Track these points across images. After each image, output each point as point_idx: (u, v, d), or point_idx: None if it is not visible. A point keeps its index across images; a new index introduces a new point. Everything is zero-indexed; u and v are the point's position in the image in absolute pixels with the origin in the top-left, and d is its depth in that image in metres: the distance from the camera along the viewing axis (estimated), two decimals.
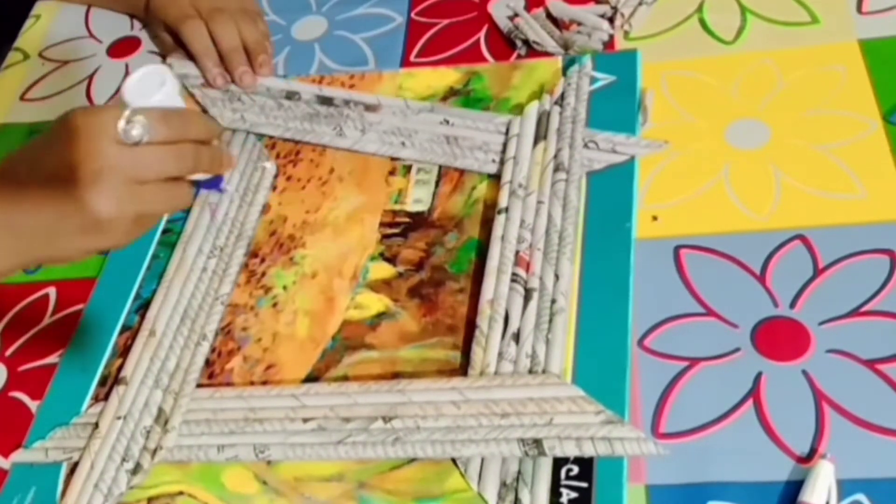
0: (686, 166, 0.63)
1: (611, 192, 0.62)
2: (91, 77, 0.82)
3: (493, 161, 0.65)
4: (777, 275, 0.56)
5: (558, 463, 0.51)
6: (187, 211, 0.68)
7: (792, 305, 0.55)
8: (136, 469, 0.55)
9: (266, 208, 0.68)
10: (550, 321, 0.55)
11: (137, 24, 0.87)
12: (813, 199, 0.59)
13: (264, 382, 0.58)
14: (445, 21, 0.79)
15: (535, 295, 0.57)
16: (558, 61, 0.72)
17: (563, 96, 0.67)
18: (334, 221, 0.66)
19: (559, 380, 0.53)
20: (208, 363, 0.60)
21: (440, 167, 0.67)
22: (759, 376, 0.52)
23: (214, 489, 0.54)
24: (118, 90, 0.80)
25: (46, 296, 0.66)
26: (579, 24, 0.74)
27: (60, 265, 0.64)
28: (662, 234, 0.60)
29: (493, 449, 0.51)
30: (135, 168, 0.48)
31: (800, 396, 0.51)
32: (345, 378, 0.57)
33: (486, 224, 0.62)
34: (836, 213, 0.58)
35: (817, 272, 0.56)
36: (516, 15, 0.76)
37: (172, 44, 0.79)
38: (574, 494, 0.49)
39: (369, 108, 0.70)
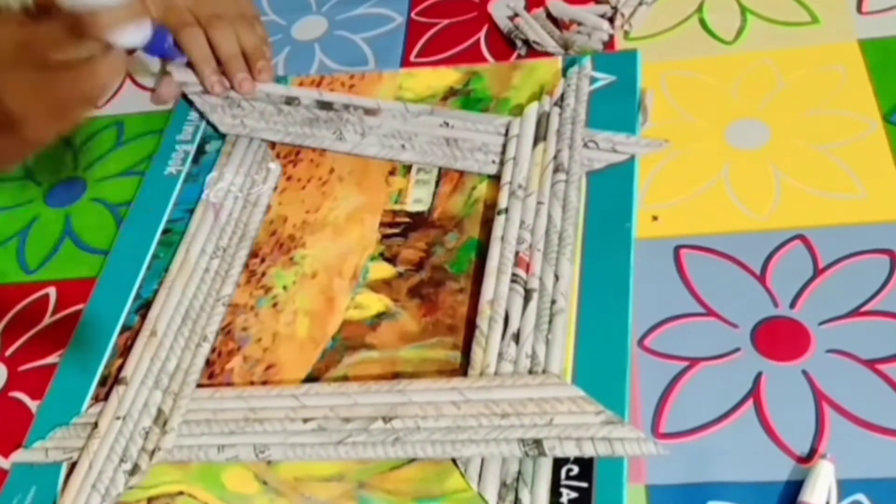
0: (686, 166, 0.63)
1: (611, 192, 0.62)
2: None
3: (493, 162, 0.65)
4: (777, 275, 0.56)
5: (558, 463, 0.51)
6: (190, 211, 0.68)
7: (792, 305, 0.55)
8: (135, 470, 0.55)
9: (266, 208, 0.68)
10: (550, 322, 0.55)
11: None
12: (813, 199, 0.59)
13: (264, 382, 0.58)
14: (445, 21, 0.79)
15: (535, 295, 0.57)
16: (558, 61, 0.72)
17: (562, 97, 0.67)
18: (334, 221, 0.66)
19: (559, 380, 0.53)
20: (208, 363, 0.60)
21: (440, 167, 0.67)
22: (759, 376, 0.52)
23: (214, 489, 0.54)
24: (118, 90, 0.80)
25: (46, 296, 0.66)
26: (579, 24, 0.74)
27: None
28: (662, 234, 0.60)
29: (493, 449, 0.51)
30: (31, 48, 0.44)
31: (800, 396, 0.51)
32: (345, 378, 0.57)
33: (486, 224, 0.62)
34: (836, 213, 0.58)
35: (817, 272, 0.56)
36: (516, 15, 0.76)
37: None
38: (574, 494, 0.49)
39: (369, 111, 0.70)
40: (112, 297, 0.64)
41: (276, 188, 0.69)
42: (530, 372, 0.54)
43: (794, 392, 0.51)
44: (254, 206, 0.68)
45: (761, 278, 0.56)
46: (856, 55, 0.66)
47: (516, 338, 0.55)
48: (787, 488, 0.48)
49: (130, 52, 0.49)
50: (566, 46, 0.73)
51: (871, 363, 0.51)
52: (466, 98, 0.71)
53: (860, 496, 0.47)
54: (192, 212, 0.68)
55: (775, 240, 0.58)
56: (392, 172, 0.68)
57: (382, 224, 0.65)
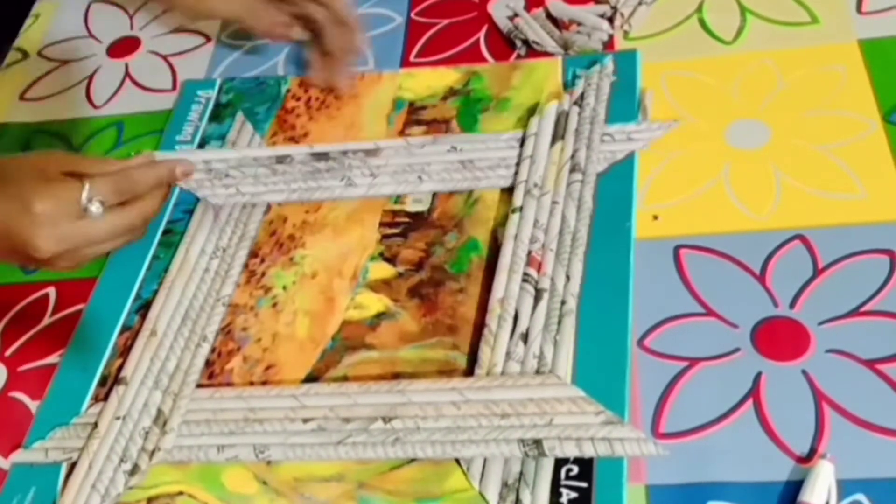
0: (686, 166, 0.63)
1: (611, 191, 0.62)
2: (91, 77, 0.82)
3: (517, 175, 0.64)
4: (777, 275, 0.56)
5: (558, 463, 0.50)
6: (190, 211, 0.68)
7: (792, 305, 0.55)
8: (134, 470, 0.55)
9: (266, 208, 0.68)
10: (559, 322, 0.55)
11: (137, 24, 0.87)
12: (813, 199, 0.59)
13: (264, 383, 0.58)
14: (445, 21, 0.79)
15: (546, 295, 0.57)
16: (558, 61, 0.72)
17: (582, 96, 0.66)
18: (334, 221, 0.66)
19: (559, 380, 0.53)
20: (208, 363, 0.60)
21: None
22: (758, 376, 0.52)
23: (214, 489, 0.54)
24: (117, 90, 0.80)
25: (46, 296, 0.66)
26: (579, 24, 0.74)
27: None
28: (662, 233, 0.60)
29: (493, 449, 0.51)
30: (88, 239, 0.53)
31: (800, 396, 0.51)
32: (344, 378, 0.57)
33: (485, 224, 0.62)
34: (836, 213, 0.58)
35: (817, 272, 0.56)
36: (516, 15, 0.76)
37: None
38: (574, 494, 0.49)
39: (369, 153, 0.67)
40: (112, 298, 0.64)
41: None
42: (537, 372, 0.53)
43: (794, 392, 0.51)
44: (253, 207, 0.68)
45: (761, 278, 0.56)
46: (856, 55, 0.66)
47: (525, 337, 0.55)
48: (786, 488, 0.48)
49: None
50: (566, 46, 0.73)
51: (870, 363, 0.51)
52: (466, 98, 0.71)
53: (860, 496, 0.47)
54: (191, 212, 0.68)
55: (775, 240, 0.58)
56: None
57: (382, 224, 0.65)
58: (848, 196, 0.59)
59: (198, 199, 0.68)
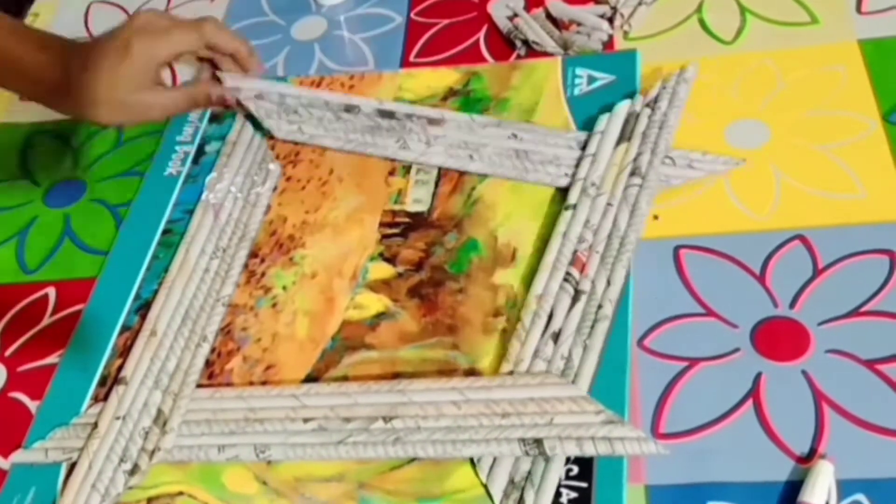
0: None
1: None
2: None
3: (566, 175, 0.63)
4: (777, 275, 0.56)
5: None
6: (190, 212, 0.68)
7: (792, 305, 0.55)
8: (134, 470, 0.55)
9: (266, 209, 0.68)
10: (593, 327, 0.55)
11: None
12: (813, 199, 0.59)
13: (264, 383, 0.58)
14: (445, 21, 0.79)
15: (584, 298, 0.56)
16: (558, 61, 0.72)
17: (656, 99, 0.65)
18: (334, 221, 0.66)
19: (559, 380, 0.53)
20: (208, 363, 0.60)
21: (439, 168, 0.67)
22: (758, 376, 0.52)
23: (214, 489, 0.54)
24: None
25: (46, 296, 0.66)
26: (579, 24, 0.74)
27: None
28: (662, 234, 0.60)
29: (493, 449, 0.51)
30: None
31: (799, 396, 0.51)
32: (344, 378, 0.57)
33: (485, 224, 0.62)
34: (836, 213, 0.58)
35: (817, 272, 0.56)
36: (516, 15, 0.76)
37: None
38: (574, 494, 0.49)
39: (432, 121, 0.68)
40: (112, 298, 0.64)
41: (275, 189, 0.69)
42: (562, 375, 0.53)
43: (794, 392, 0.51)
44: (253, 207, 0.68)
45: (761, 278, 0.56)
46: (856, 55, 0.66)
47: (556, 337, 0.55)
48: (786, 488, 0.48)
49: None
50: (566, 46, 0.73)
51: (870, 363, 0.51)
52: (466, 98, 0.71)
53: (860, 496, 0.47)
54: (191, 212, 0.68)
55: (775, 240, 0.58)
56: (392, 173, 0.68)
57: (382, 224, 0.65)
58: (848, 196, 0.59)
59: (198, 199, 0.69)
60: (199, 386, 0.58)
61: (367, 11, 0.82)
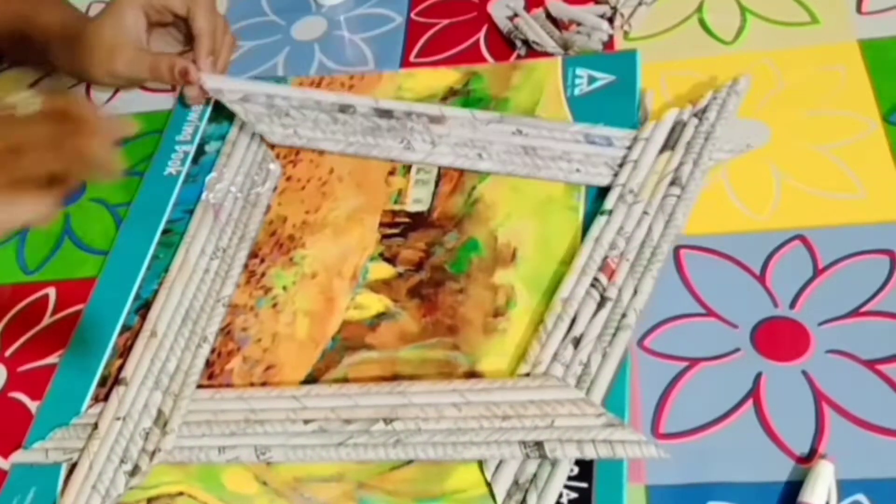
0: None
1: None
2: None
3: (578, 171, 0.63)
4: (777, 275, 0.56)
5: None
6: (190, 212, 0.68)
7: (792, 306, 0.55)
8: (135, 470, 0.55)
9: (266, 209, 0.68)
10: (614, 335, 0.55)
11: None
12: (813, 200, 0.59)
13: (264, 383, 0.58)
14: (445, 21, 0.79)
15: (609, 305, 0.56)
16: (558, 61, 0.72)
17: (705, 109, 0.64)
18: (334, 221, 0.66)
19: (559, 382, 0.53)
20: (208, 364, 0.60)
21: (439, 168, 0.67)
22: (758, 376, 0.52)
23: (214, 490, 0.54)
24: (117, 90, 0.80)
25: (46, 296, 0.66)
26: (579, 24, 0.74)
27: None
28: None
29: (494, 451, 0.51)
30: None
31: (800, 397, 0.51)
32: (344, 378, 0.57)
33: (485, 224, 0.62)
34: (836, 214, 0.58)
35: (817, 272, 0.56)
36: (516, 15, 0.76)
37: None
38: (574, 495, 0.49)
39: (433, 119, 0.67)
40: (112, 298, 0.64)
41: (275, 189, 0.69)
42: (579, 381, 0.53)
43: (794, 392, 0.51)
44: (253, 207, 0.68)
45: (761, 278, 0.56)
46: (856, 55, 0.66)
47: (576, 342, 0.55)
48: (786, 488, 0.48)
49: None
50: (566, 47, 0.73)
51: (870, 363, 0.51)
52: (466, 98, 0.71)
53: (860, 496, 0.47)
54: (191, 212, 0.68)
55: (775, 240, 0.58)
56: (392, 172, 0.68)
57: (382, 224, 0.65)
58: (848, 196, 0.59)
59: (198, 199, 0.68)
60: (199, 386, 0.58)
61: (367, 11, 0.82)
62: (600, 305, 0.56)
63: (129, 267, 0.66)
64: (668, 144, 0.63)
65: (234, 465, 0.54)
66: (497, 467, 0.51)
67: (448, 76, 0.73)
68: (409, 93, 0.72)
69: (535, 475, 0.50)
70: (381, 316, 0.60)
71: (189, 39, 0.75)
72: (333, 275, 0.63)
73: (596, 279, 0.57)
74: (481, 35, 0.77)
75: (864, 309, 0.54)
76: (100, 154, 0.49)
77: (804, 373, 0.52)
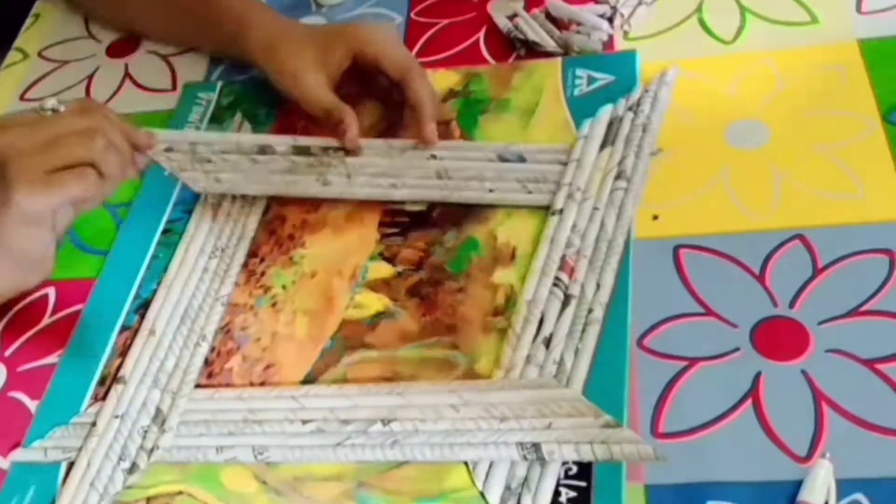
0: (686, 166, 0.63)
1: None
2: (90, 77, 0.83)
3: (491, 191, 0.63)
4: (776, 275, 0.56)
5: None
6: (189, 211, 0.68)
7: (791, 305, 0.55)
8: (133, 468, 0.55)
9: (266, 208, 0.68)
10: (584, 331, 0.55)
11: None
12: (813, 199, 0.59)
13: (263, 382, 0.58)
14: (445, 21, 0.79)
15: (574, 302, 0.56)
16: (558, 62, 0.72)
17: (638, 102, 0.65)
18: (334, 221, 0.66)
19: (558, 384, 0.53)
20: (207, 362, 0.60)
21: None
22: (758, 376, 0.52)
23: (214, 489, 0.54)
24: (117, 90, 0.81)
25: (46, 296, 0.66)
26: (579, 24, 0.74)
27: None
28: (662, 233, 0.60)
29: (491, 453, 0.51)
30: (47, 128, 0.56)
31: (799, 396, 0.51)
32: (344, 377, 0.57)
33: (484, 224, 0.62)
34: (835, 213, 0.58)
35: (817, 272, 0.56)
36: (516, 15, 0.76)
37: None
38: (573, 494, 0.49)
39: (349, 152, 0.67)
40: (111, 297, 0.64)
41: None
42: (555, 379, 0.53)
43: (794, 392, 0.51)
44: (252, 207, 0.67)
45: (761, 278, 0.56)
46: (856, 55, 0.66)
47: (547, 342, 0.55)
48: (786, 488, 0.48)
49: None
50: (566, 47, 0.73)
51: (870, 363, 0.51)
52: (466, 99, 0.71)
53: (859, 496, 0.47)
54: (191, 212, 0.68)
55: (775, 240, 0.58)
56: None
57: (382, 224, 0.65)
58: (848, 196, 0.59)
59: (197, 199, 0.68)
60: (198, 386, 0.58)
61: (367, 11, 0.82)
62: (565, 304, 0.56)
63: (128, 267, 0.66)
64: (608, 140, 0.64)
65: (233, 464, 0.54)
66: (487, 474, 0.51)
67: (448, 78, 0.73)
68: None
69: (525, 478, 0.50)
70: (380, 315, 0.60)
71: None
72: (333, 274, 0.63)
73: (557, 278, 0.57)
74: (481, 35, 0.77)
75: (863, 308, 0.53)
76: (122, 146, 0.58)
77: (803, 372, 0.52)
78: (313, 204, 0.67)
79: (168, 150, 0.66)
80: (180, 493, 0.54)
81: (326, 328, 0.60)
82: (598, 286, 0.57)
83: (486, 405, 0.53)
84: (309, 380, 0.58)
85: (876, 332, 0.52)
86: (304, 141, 0.68)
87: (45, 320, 0.65)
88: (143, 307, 0.63)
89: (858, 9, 0.70)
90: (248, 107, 0.75)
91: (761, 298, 0.55)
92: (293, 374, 0.58)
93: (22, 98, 0.82)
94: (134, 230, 0.68)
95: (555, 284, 0.57)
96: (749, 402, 0.51)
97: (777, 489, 0.48)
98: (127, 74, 0.82)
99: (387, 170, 0.66)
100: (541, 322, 0.56)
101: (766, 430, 0.50)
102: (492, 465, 0.51)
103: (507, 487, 0.50)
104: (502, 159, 0.65)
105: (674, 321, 0.55)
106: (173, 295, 0.63)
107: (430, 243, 0.63)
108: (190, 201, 0.69)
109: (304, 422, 0.55)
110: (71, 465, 0.56)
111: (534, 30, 0.74)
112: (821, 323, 0.53)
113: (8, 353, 0.63)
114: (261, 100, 0.75)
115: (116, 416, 0.57)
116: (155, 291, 0.64)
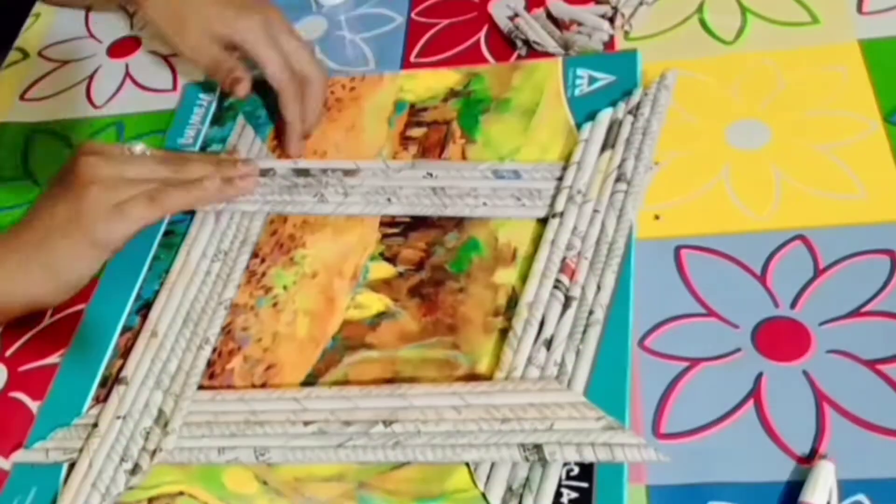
0: (686, 166, 0.63)
1: None
2: (91, 77, 0.83)
3: (485, 204, 0.63)
4: (777, 275, 0.56)
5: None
6: (191, 213, 0.68)
7: (792, 306, 0.55)
8: (135, 469, 0.55)
9: (267, 212, 0.68)
10: (584, 332, 0.55)
11: (137, 24, 0.87)
12: (813, 200, 0.59)
13: (264, 383, 0.58)
14: (445, 21, 0.79)
15: (574, 304, 0.56)
16: (558, 62, 0.72)
17: (638, 105, 0.65)
18: (334, 221, 0.66)
19: (560, 385, 0.53)
20: (209, 363, 0.60)
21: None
22: (759, 377, 0.52)
23: (215, 489, 0.54)
24: (118, 90, 0.80)
25: None
26: (579, 24, 0.74)
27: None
28: (663, 234, 0.60)
29: (493, 454, 0.51)
30: (127, 165, 0.63)
31: (800, 397, 0.51)
32: (345, 378, 0.57)
33: (485, 224, 0.62)
34: (836, 214, 0.58)
35: (818, 272, 0.56)
36: (516, 15, 0.76)
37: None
38: (574, 495, 0.49)
39: (348, 173, 0.67)
40: (113, 298, 0.64)
41: None
42: (556, 380, 0.53)
43: (795, 392, 0.51)
44: (254, 211, 0.67)
45: (762, 278, 0.56)
46: (856, 55, 0.66)
47: (548, 344, 0.55)
48: (787, 489, 0.48)
49: None
50: (566, 47, 0.73)
51: (871, 363, 0.51)
52: (467, 99, 0.71)
53: (861, 496, 0.47)
54: (193, 213, 0.68)
55: (776, 240, 0.58)
56: None
57: (382, 224, 0.65)
58: (848, 196, 0.59)
59: None
60: (200, 387, 0.58)
61: (367, 11, 0.82)
62: (566, 306, 0.56)
63: (130, 267, 0.66)
64: (608, 143, 0.64)
65: (235, 465, 0.54)
66: (488, 476, 0.51)
67: (449, 77, 0.73)
68: (409, 94, 0.72)
69: (527, 479, 0.50)
70: (381, 315, 0.60)
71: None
72: (334, 274, 0.63)
73: (558, 280, 0.57)
74: (482, 35, 0.77)
75: (864, 309, 0.54)
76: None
77: (805, 373, 0.52)
78: None
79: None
80: (181, 493, 0.54)
81: (327, 328, 0.60)
82: (598, 288, 0.57)
83: (487, 407, 0.53)
84: (310, 380, 0.58)
85: (878, 333, 0.52)
86: (304, 163, 0.69)
87: (47, 320, 0.65)
88: (144, 308, 0.63)
89: (859, 9, 0.70)
90: (248, 108, 0.75)
91: (762, 299, 0.55)
92: (294, 374, 0.58)
93: (22, 98, 0.82)
94: None
95: (555, 287, 0.57)
96: (750, 402, 0.51)
97: (778, 490, 0.48)
98: (127, 74, 0.82)
99: (383, 188, 0.66)
100: (541, 324, 0.56)
101: (768, 430, 0.50)
102: (493, 466, 0.51)
103: (509, 488, 0.50)
104: (498, 176, 0.65)
105: (675, 322, 0.55)
106: (175, 297, 0.63)
107: (430, 243, 0.63)
108: None
109: (306, 423, 0.55)
110: (72, 466, 0.56)
111: (534, 30, 0.74)
112: (822, 323, 0.53)
113: (9, 353, 0.63)
114: (262, 101, 0.75)
115: (118, 417, 0.57)
116: (157, 293, 0.64)
